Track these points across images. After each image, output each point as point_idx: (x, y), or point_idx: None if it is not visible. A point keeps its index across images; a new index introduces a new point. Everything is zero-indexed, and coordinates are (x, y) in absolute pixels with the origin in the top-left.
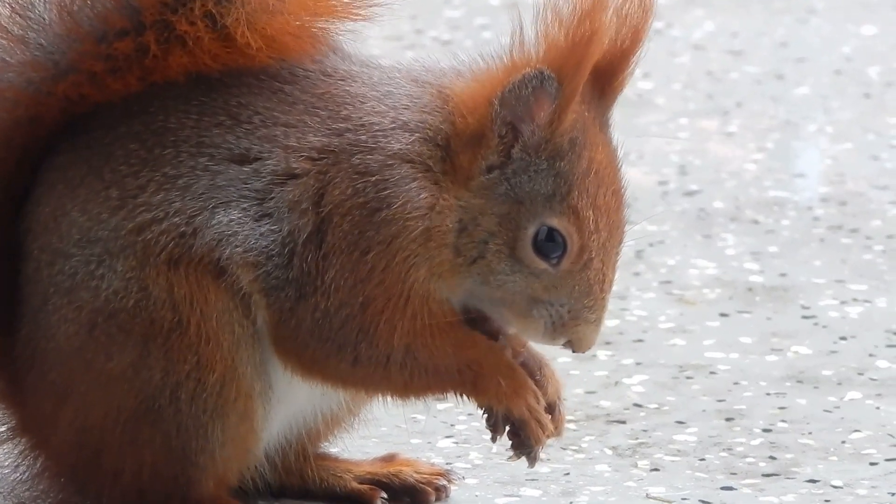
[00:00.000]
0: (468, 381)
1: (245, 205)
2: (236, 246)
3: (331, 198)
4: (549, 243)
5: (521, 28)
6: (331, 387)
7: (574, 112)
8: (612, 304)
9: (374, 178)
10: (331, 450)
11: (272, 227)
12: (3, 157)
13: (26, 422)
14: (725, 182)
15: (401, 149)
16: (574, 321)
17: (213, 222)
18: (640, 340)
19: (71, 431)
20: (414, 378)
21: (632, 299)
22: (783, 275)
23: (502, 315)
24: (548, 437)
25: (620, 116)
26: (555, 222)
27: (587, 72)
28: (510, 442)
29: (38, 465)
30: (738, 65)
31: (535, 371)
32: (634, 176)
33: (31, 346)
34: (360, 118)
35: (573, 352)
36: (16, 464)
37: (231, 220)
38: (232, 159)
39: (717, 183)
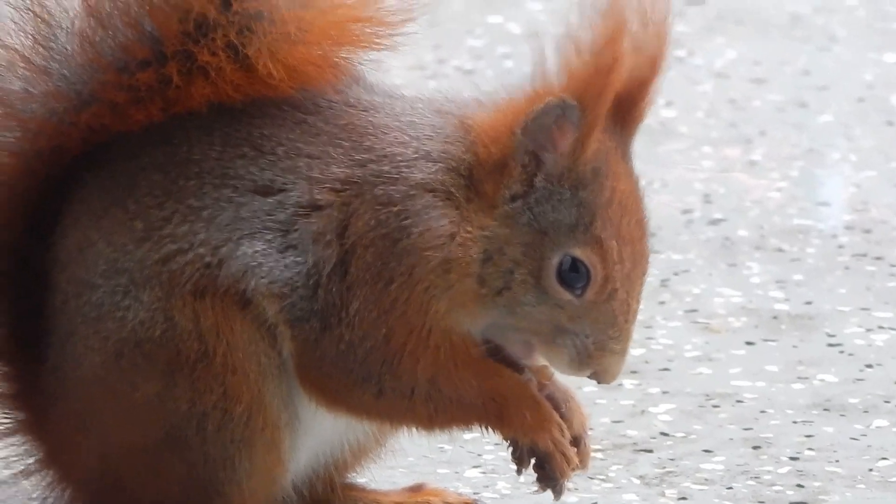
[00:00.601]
0: (493, 414)
1: (269, 236)
2: (261, 277)
3: (354, 229)
4: (573, 273)
5: (543, 57)
6: (355, 418)
7: (596, 141)
8: (637, 333)
9: (396, 209)
10: (358, 480)
11: (297, 259)
12: (26, 187)
13: (52, 453)
14: (749, 210)
15: (423, 178)
16: (599, 352)
17: (238, 253)
18: (666, 369)
19: (94, 460)
20: (438, 410)
21: (657, 328)
22: (808, 303)
23: (528, 345)
24: (573, 470)
25: (643, 145)
26: (578, 252)
27: (609, 100)
28: (536, 475)
29: (65, 497)
30: (760, 93)
31: (560, 404)
32: (658, 205)
33: (58, 377)
34: (383, 149)
35: (598, 383)
36: (44, 496)
37: (256, 252)
38: (256, 191)
39: (742, 211)
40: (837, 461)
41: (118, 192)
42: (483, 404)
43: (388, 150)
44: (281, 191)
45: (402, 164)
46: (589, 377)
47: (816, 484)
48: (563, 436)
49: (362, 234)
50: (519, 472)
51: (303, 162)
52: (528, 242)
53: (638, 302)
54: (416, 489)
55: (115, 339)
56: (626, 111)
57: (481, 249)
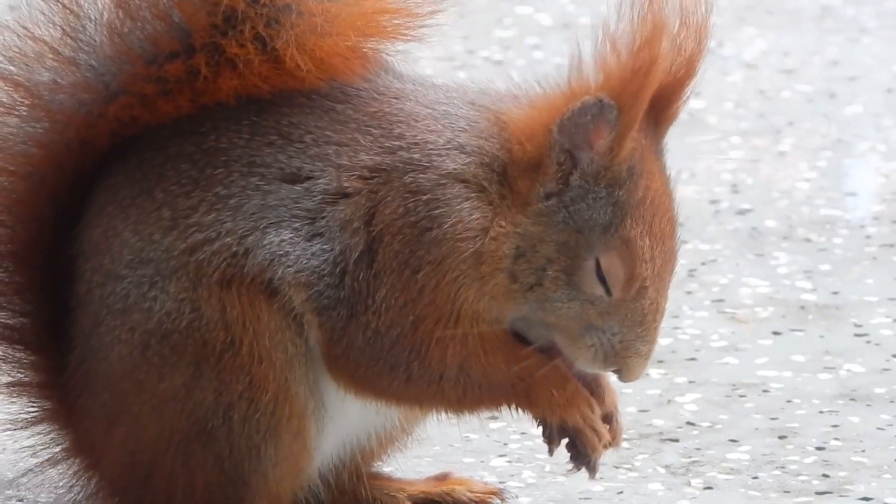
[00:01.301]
0: (521, 394)
1: (296, 224)
2: (288, 266)
3: (382, 217)
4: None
5: (580, 54)
6: (384, 404)
7: (633, 140)
8: (664, 323)
9: (425, 197)
10: (384, 469)
11: (324, 247)
12: (55, 180)
13: (79, 442)
14: (777, 201)
15: (455, 169)
16: (625, 351)
17: (265, 242)
18: (692, 359)
19: (123, 452)
20: (467, 393)
21: (684, 318)
22: (835, 293)
23: (553, 340)
24: (604, 446)
25: (672, 135)
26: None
27: (647, 100)
28: (568, 454)
29: (92, 485)
30: (789, 83)
31: (590, 382)
32: (686, 195)
33: (84, 367)
34: (415, 136)
35: (620, 380)
36: (70, 485)
37: (283, 240)
38: (283, 178)
39: (770, 202)
40: (863, 451)
41: (145, 182)
42: (512, 385)
43: (419, 137)
44: (308, 178)
45: (433, 152)
46: (612, 373)
47: (842, 474)
48: (592, 412)
49: (390, 221)
50: (551, 451)
51: (331, 149)
52: (563, 241)
53: (666, 300)
54: (442, 478)
55: (141, 330)
56: (660, 109)
57: (514, 245)
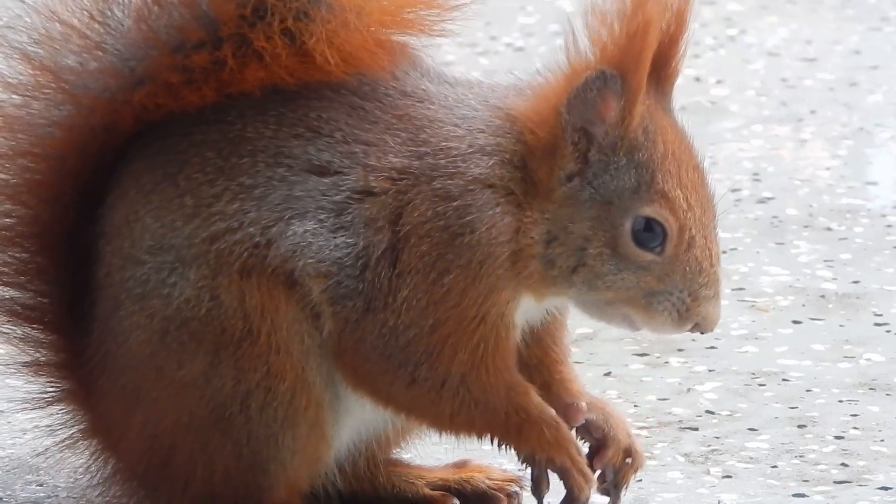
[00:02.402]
0: (513, 426)
1: (322, 216)
2: (310, 257)
3: (409, 218)
4: (648, 233)
5: (573, 33)
6: (378, 403)
7: (642, 105)
8: None
9: (455, 204)
10: (403, 456)
11: (347, 240)
12: (78, 163)
13: (97, 424)
14: (798, 189)
15: (481, 173)
16: (695, 303)
17: (289, 233)
18: (712, 347)
19: (142, 437)
20: (462, 409)
21: None
22: (856, 282)
23: (628, 318)
24: (590, 488)
25: (694, 123)
26: (648, 211)
27: (648, 63)
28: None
29: (109, 467)
30: (811, 72)
31: (601, 425)
32: None
33: (103, 350)
34: (438, 143)
35: (702, 332)
36: (87, 467)
37: (306, 231)
38: (311, 170)
39: (791, 190)
40: (882, 440)
41: (169, 168)
42: (506, 415)
43: (443, 144)
44: (337, 173)
45: (457, 157)
46: (691, 331)
47: (861, 463)
48: (579, 455)
49: (418, 224)
50: (537, 494)
51: (359, 148)
52: (595, 216)
53: (717, 244)
54: (461, 465)
55: (160, 316)
56: (660, 69)
57: (544, 231)
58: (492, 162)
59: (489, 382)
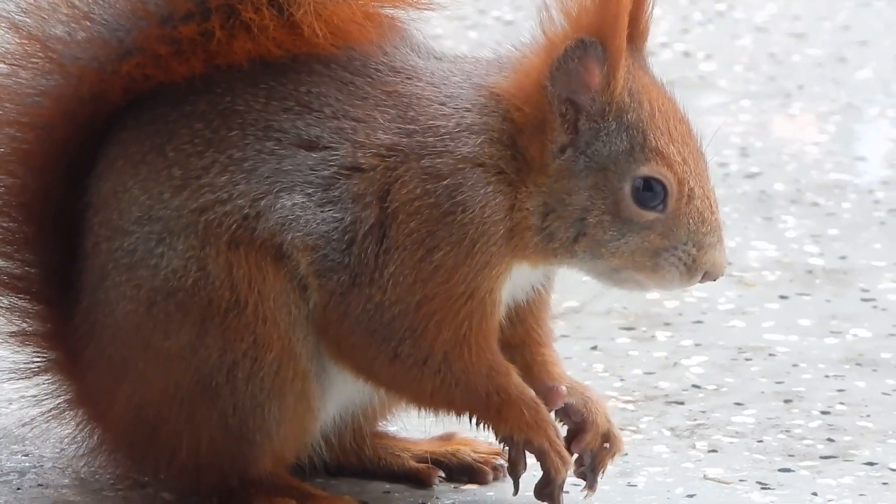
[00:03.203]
0: (493, 406)
1: (310, 190)
2: (297, 231)
3: (398, 195)
4: (648, 192)
5: (546, 5)
6: (358, 377)
7: (624, 68)
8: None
9: (445, 182)
10: (389, 428)
11: (335, 215)
12: (67, 133)
13: (83, 394)
14: (786, 165)
15: (469, 152)
16: (701, 252)
17: (277, 206)
18: (699, 322)
19: (128, 408)
20: (443, 387)
21: None
22: (843, 258)
23: (639, 282)
24: (567, 471)
25: (682, 98)
26: (645, 170)
27: (625, 25)
28: (534, 491)
29: (95, 437)
30: (800, 47)
31: (580, 409)
32: None
33: (90, 320)
34: (427, 121)
35: (711, 280)
36: (73, 438)
37: (294, 204)
38: (300, 145)
39: (778, 165)
40: (868, 416)
41: (158, 139)
42: (486, 394)
43: (431, 122)
44: (326, 148)
45: (445, 136)
46: (701, 281)
47: (847, 438)
48: (558, 437)
49: (406, 201)
50: (513, 474)
51: (348, 124)
52: (592, 185)
53: (713, 192)
54: (447, 438)
55: (147, 287)
56: (632, 27)
57: (539, 204)
58: (480, 140)
59: (471, 361)
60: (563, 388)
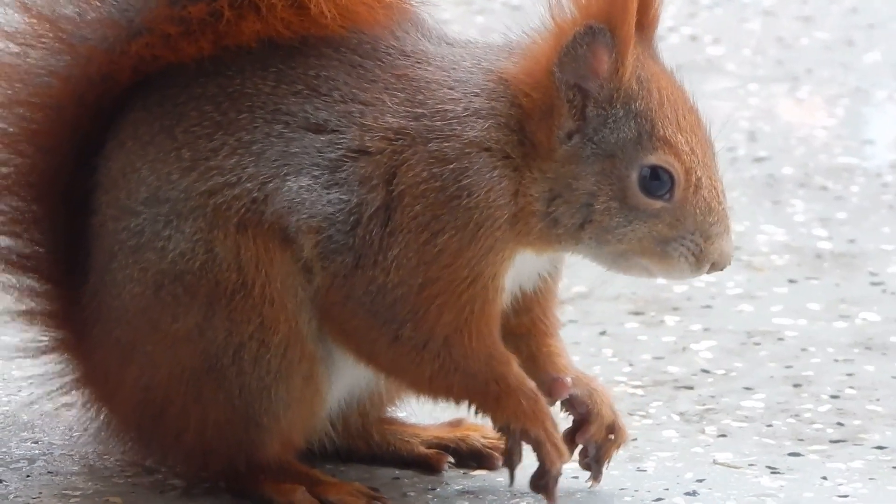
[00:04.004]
0: (492, 395)
1: (316, 172)
2: (303, 213)
3: (404, 178)
4: (655, 181)
5: None
6: (359, 360)
7: (633, 55)
8: None
9: (451, 166)
10: (398, 414)
11: (341, 197)
12: (76, 113)
13: (90, 374)
14: (794, 148)
15: (476, 136)
16: (709, 242)
17: (284, 189)
18: (708, 306)
19: (136, 390)
20: (442, 372)
21: None
22: (852, 241)
23: (647, 269)
24: (562, 463)
25: (690, 82)
26: (653, 159)
27: (634, 11)
28: (529, 482)
29: (101, 418)
30: (808, 31)
31: (585, 400)
32: None
33: (97, 301)
34: (435, 105)
35: (719, 270)
36: (79, 418)
37: (301, 187)
38: (308, 128)
39: (787, 149)
40: (878, 400)
41: (167, 120)
42: (485, 382)
43: (440, 106)
44: (334, 131)
45: (453, 120)
46: (708, 272)
47: (856, 422)
48: (555, 429)
49: (413, 184)
50: (509, 465)
51: (356, 107)
52: (600, 171)
53: (721, 182)
54: (456, 424)
55: (154, 270)
56: (642, 16)
57: (545, 190)
58: (487, 125)
59: (471, 347)
60: (568, 379)
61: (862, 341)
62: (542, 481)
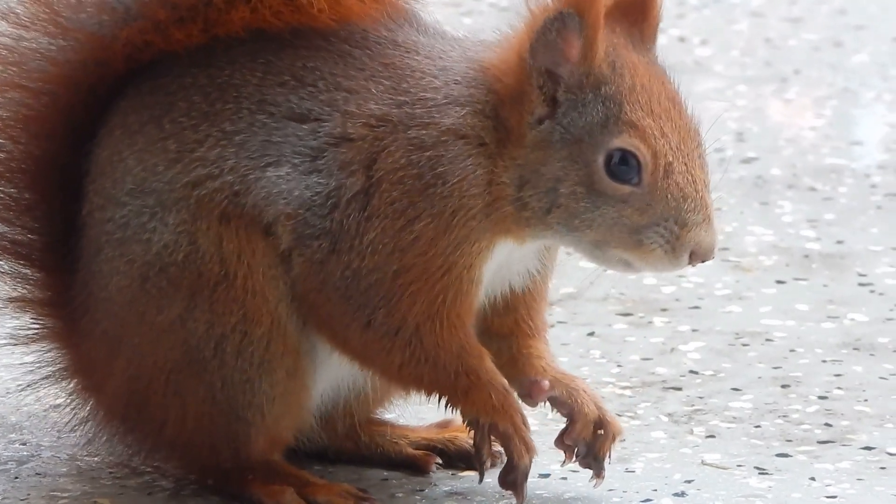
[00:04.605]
0: (461, 388)
1: (297, 160)
2: (282, 200)
3: (383, 164)
4: (623, 166)
5: None
6: (333, 347)
7: (603, 40)
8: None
9: (428, 153)
10: (387, 416)
11: (319, 181)
12: (70, 98)
13: (79, 363)
14: (783, 149)
15: (453, 123)
16: (685, 230)
17: (264, 180)
18: (696, 307)
19: (122, 381)
20: (412, 361)
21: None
22: (840, 242)
23: (624, 261)
24: (531, 458)
25: (679, 83)
26: (618, 142)
27: None
28: (498, 480)
29: (89, 409)
30: (796, 32)
31: (566, 401)
32: None
33: (86, 292)
34: (417, 93)
35: (702, 261)
36: (70, 420)
37: (279, 176)
38: (291, 117)
39: (775, 150)
40: (866, 400)
41: (156, 110)
42: (455, 374)
43: (421, 94)
44: (316, 120)
45: (433, 108)
46: (690, 263)
47: (844, 423)
48: (524, 424)
49: (391, 170)
50: (479, 459)
51: (341, 95)
52: (566, 156)
53: (704, 171)
54: (445, 425)
55: (140, 262)
56: (640, 21)
57: (516, 176)
58: (464, 112)
59: (442, 337)
60: (546, 382)
61: (850, 342)
62: (511, 476)
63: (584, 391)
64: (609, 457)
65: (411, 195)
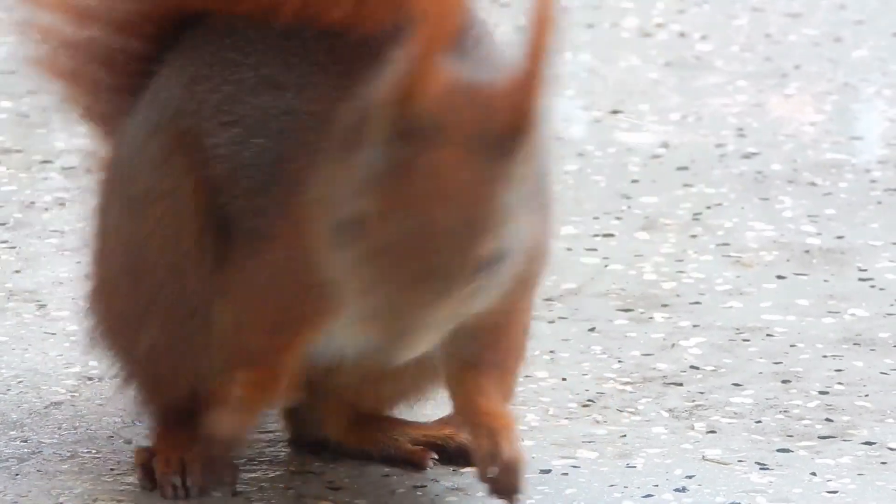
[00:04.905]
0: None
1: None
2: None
3: None
4: None
5: None
6: None
7: None
8: (669, 267)
9: None
10: (390, 412)
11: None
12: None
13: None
14: (783, 144)
15: None
16: None
17: (226, 136)
18: (696, 303)
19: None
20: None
21: (689, 262)
22: (840, 237)
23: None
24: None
25: (679, 78)
26: None
27: None
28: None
29: (91, 324)
30: (796, 27)
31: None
32: (692, 139)
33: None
34: None
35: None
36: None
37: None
38: (276, 87)
39: (775, 145)
40: (867, 395)
41: (201, 52)
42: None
43: None
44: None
45: None
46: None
47: (845, 418)
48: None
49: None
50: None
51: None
52: None
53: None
54: (446, 421)
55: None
56: None
57: None
58: None
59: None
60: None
61: (851, 337)
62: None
63: (490, 429)
64: (521, 492)
65: None
